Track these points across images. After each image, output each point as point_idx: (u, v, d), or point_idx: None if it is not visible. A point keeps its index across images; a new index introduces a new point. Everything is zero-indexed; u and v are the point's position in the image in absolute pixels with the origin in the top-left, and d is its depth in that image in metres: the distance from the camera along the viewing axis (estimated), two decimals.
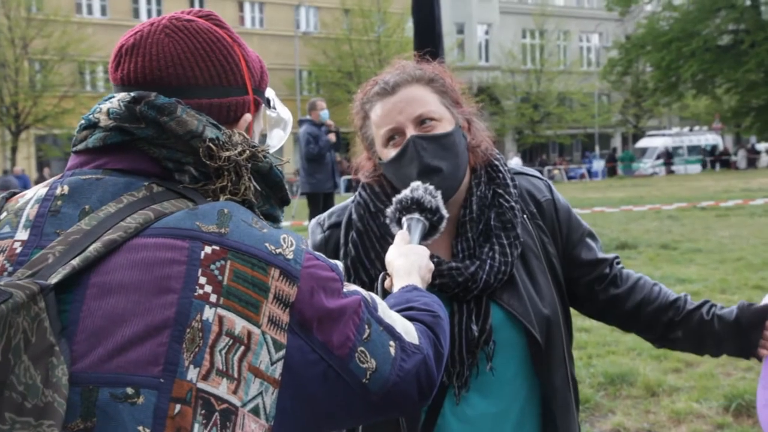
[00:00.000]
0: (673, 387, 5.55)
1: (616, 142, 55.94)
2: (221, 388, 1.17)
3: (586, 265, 2.12)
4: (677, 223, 15.38)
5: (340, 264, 1.38)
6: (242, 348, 1.19)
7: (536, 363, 2.00)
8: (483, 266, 1.96)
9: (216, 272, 1.20)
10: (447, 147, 1.96)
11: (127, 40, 1.37)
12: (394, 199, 1.89)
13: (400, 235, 1.81)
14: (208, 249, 1.21)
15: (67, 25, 35.35)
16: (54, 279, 1.15)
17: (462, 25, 47.59)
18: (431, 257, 1.82)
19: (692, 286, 8.77)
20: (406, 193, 1.87)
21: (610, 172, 45.31)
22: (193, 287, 1.18)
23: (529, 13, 50.00)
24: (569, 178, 44.35)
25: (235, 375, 1.18)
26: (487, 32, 49.24)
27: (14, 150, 35.57)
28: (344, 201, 2.18)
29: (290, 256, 1.27)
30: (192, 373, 1.15)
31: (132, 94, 1.32)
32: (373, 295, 1.42)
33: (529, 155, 52.30)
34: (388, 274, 1.75)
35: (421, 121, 1.96)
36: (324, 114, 11.96)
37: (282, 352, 1.23)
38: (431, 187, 1.88)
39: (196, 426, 1.14)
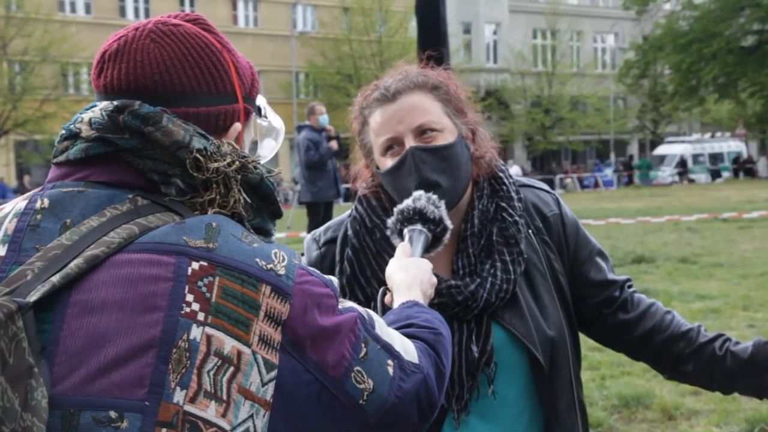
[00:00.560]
0: (692, 410, 5.54)
1: (633, 149, 55.94)
2: (209, 411, 1.18)
3: (594, 285, 2.12)
4: (697, 236, 15.36)
5: (334, 279, 1.39)
6: (231, 369, 1.20)
7: (539, 386, 2.00)
8: (484, 284, 1.97)
9: (204, 289, 1.21)
10: (447, 159, 1.97)
11: (111, 46, 1.38)
12: (395, 210, 1.90)
13: (402, 248, 1.82)
14: (195, 265, 1.22)
15: (48, 23, 35.36)
16: (33, 297, 1.16)
17: (469, 24, 47.66)
18: None
19: (713, 302, 8.76)
20: (407, 203, 1.88)
21: (619, 179, 45.27)
22: (179, 305, 1.19)
23: (540, 12, 50.03)
24: (583, 187, 44.34)
25: (224, 397, 1.19)
26: (495, 32, 49.29)
27: None
28: (343, 214, 2.19)
29: (282, 272, 1.28)
30: (179, 396, 1.16)
31: (115, 102, 1.33)
32: (370, 311, 1.43)
33: (540, 162, 52.32)
34: (388, 288, 1.75)
35: (421, 131, 1.97)
36: (323, 119, 11.99)
37: (273, 373, 1.24)
38: (434, 197, 1.88)
39: None
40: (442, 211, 1.87)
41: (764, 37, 42.04)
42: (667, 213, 20.92)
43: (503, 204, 2.05)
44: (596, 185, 44.12)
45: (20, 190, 31.00)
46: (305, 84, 45.15)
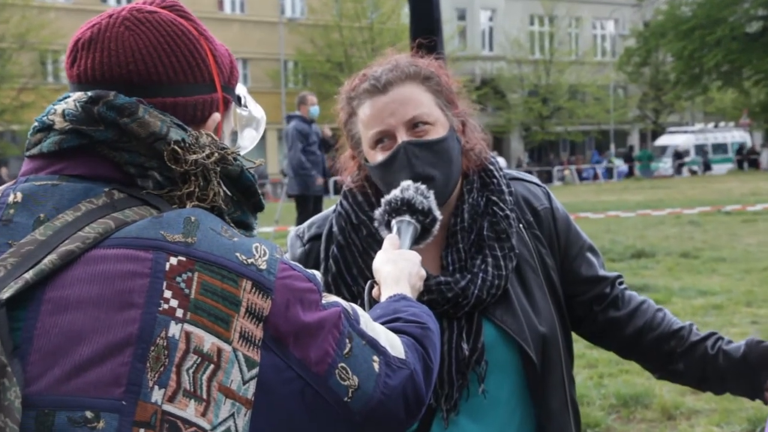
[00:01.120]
0: (692, 410, 5.57)
1: (634, 139, 56.04)
2: (189, 411, 1.18)
3: (585, 282, 2.14)
4: (699, 229, 15.41)
5: (318, 274, 1.40)
6: (212, 366, 1.21)
7: (531, 384, 2.02)
8: (475, 280, 1.98)
9: (182, 285, 1.22)
10: (440, 153, 1.98)
11: (84, 34, 1.38)
12: (382, 200, 1.90)
13: (389, 240, 1.82)
14: (173, 260, 1.23)
15: (26, 9, 35.25)
16: (5, 294, 1.16)
17: (463, 10, 47.65)
18: None
19: (715, 298, 8.80)
20: (395, 193, 1.88)
21: (608, 172, 45.35)
22: (157, 302, 1.20)
23: None
24: (582, 179, 44.39)
25: (204, 396, 1.20)
26: (491, 18, 49.30)
27: None
28: (328, 209, 2.19)
29: (263, 267, 1.29)
30: (157, 395, 1.17)
31: (89, 93, 1.33)
32: (355, 306, 1.43)
33: (537, 154, 52.36)
34: (375, 282, 1.76)
35: (413, 124, 1.98)
36: (314, 110, 11.98)
37: (255, 370, 1.24)
38: (423, 187, 1.89)
39: None
40: (431, 201, 1.88)
41: None
42: (668, 206, 20.99)
43: (494, 198, 2.06)
44: (595, 177, 44.16)
45: None
46: (294, 73, 45.11)
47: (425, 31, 4.66)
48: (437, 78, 2.04)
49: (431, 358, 1.50)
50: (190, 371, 1.19)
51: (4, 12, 34.69)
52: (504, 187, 2.08)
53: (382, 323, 1.49)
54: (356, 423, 1.36)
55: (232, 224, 1.36)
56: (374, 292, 1.76)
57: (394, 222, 1.87)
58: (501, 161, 2.24)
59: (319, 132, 12.21)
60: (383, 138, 2.00)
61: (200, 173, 1.32)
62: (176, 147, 1.31)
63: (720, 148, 46.69)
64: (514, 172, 2.21)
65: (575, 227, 2.17)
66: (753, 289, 9.31)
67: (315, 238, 2.13)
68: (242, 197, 1.40)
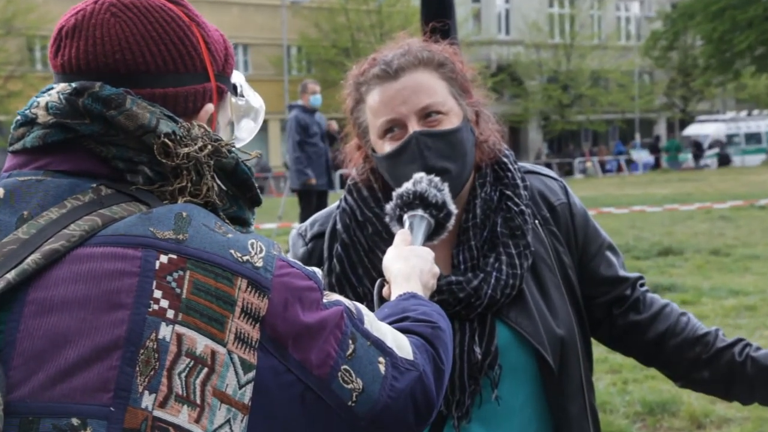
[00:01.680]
0: (723, 418, 5.55)
1: (660, 129, 55.86)
2: (181, 417, 1.19)
3: (604, 282, 2.14)
4: (731, 225, 15.36)
5: (318, 271, 1.40)
6: (205, 370, 1.21)
7: (548, 390, 2.02)
8: (488, 279, 1.98)
9: (173, 284, 1.22)
10: (454, 145, 1.98)
11: (68, 21, 1.38)
12: (394, 194, 1.90)
13: (401, 235, 1.82)
14: (163, 258, 1.23)
15: None
16: None
17: None
18: None
19: (747, 299, 8.77)
20: (407, 186, 1.88)
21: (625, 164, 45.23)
22: (146, 302, 1.21)
23: None
24: (605, 171, 44.27)
25: (198, 401, 1.20)
26: (507, 0, 49.21)
27: None
28: (332, 204, 2.19)
29: (259, 264, 1.29)
30: (147, 400, 1.17)
31: (74, 84, 1.34)
32: (359, 305, 1.44)
33: (557, 144, 52.24)
34: (386, 280, 1.76)
35: (426, 114, 1.98)
36: (315, 99, 11.95)
37: (252, 374, 1.25)
38: (437, 179, 1.89)
39: None
40: (446, 194, 1.88)
41: None
42: (697, 200, 20.90)
43: (508, 192, 2.06)
44: (619, 169, 44.04)
45: None
46: (297, 59, 45.03)
47: (437, 14, 4.66)
48: (451, 65, 2.04)
49: (442, 360, 1.50)
50: (183, 375, 1.20)
51: None
52: (519, 181, 2.08)
53: (390, 323, 1.50)
54: (361, 428, 1.36)
55: (227, 220, 1.36)
56: (384, 291, 1.76)
57: (406, 217, 1.87)
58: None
59: (322, 122, 12.20)
60: (393, 127, 2.00)
61: (193, 167, 1.33)
62: (167, 140, 1.31)
63: (753, 137, 46.44)
64: (530, 165, 2.20)
65: (594, 224, 2.17)
66: None
67: (318, 236, 2.13)
68: (238, 191, 1.40)
